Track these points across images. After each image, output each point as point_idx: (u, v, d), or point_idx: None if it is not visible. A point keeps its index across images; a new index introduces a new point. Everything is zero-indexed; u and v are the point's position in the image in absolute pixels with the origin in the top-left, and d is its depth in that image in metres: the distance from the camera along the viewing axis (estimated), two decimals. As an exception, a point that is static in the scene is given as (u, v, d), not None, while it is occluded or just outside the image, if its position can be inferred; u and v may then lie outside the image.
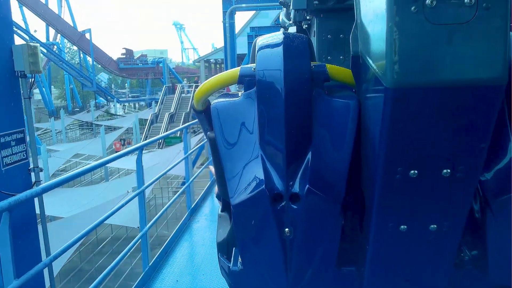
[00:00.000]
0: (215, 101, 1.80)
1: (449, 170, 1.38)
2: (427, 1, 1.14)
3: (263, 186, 1.58)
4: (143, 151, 5.36)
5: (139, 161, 5.38)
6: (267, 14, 33.02)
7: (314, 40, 2.71)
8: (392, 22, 1.16)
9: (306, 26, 3.04)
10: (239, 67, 1.81)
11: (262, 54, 1.69)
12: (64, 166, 24.31)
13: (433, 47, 1.17)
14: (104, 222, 5.39)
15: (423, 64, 1.19)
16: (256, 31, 23.56)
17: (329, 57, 2.59)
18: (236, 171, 1.67)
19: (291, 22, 3.44)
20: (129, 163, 16.96)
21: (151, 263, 5.39)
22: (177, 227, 6.78)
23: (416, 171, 1.39)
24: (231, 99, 1.77)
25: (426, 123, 1.30)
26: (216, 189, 2.26)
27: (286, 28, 3.76)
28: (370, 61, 1.38)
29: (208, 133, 1.92)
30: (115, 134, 32.93)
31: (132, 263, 13.77)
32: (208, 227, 6.95)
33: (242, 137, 1.70)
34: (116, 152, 35.04)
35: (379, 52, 1.27)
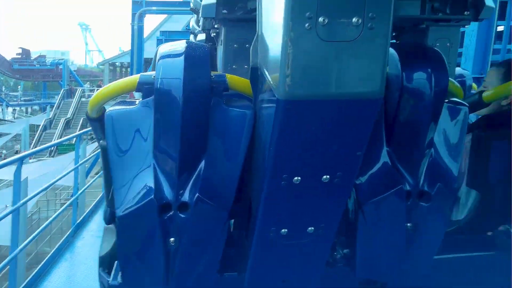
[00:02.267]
0: (110, 108, 1.75)
1: (328, 176, 1.48)
2: (319, 19, 1.20)
3: (152, 195, 1.59)
4: (31, 160, 4.73)
5: (17, 175, 4.81)
6: (179, 18, 32.18)
7: (221, 48, 2.75)
8: (287, 37, 1.22)
9: (215, 34, 3.06)
10: (139, 74, 1.78)
11: (163, 62, 1.67)
12: None
13: (322, 63, 1.26)
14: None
15: (312, 78, 1.27)
16: (166, 35, 22.94)
17: (234, 66, 2.64)
18: (126, 181, 1.65)
19: (200, 29, 3.45)
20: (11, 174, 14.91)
21: (20, 288, 4.62)
22: (57, 245, 5.99)
23: (299, 178, 1.47)
24: (128, 106, 1.73)
25: (311, 133, 1.39)
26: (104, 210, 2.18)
27: (195, 35, 3.78)
28: (267, 73, 1.43)
29: (101, 141, 1.87)
30: (1, 141, 29.24)
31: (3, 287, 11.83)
32: (93, 244, 6.22)
33: (135, 145, 1.68)
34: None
35: (274, 65, 1.33)
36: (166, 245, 1.65)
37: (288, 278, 1.84)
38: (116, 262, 1.97)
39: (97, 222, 7.21)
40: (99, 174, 8.56)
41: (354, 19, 1.20)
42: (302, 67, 1.24)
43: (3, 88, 60.60)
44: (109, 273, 1.99)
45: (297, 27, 1.20)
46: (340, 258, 1.93)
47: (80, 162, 7.29)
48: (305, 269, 1.82)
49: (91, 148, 18.05)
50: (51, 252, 5.78)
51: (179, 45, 1.73)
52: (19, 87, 60.72)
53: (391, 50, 1.66)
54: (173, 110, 1.58)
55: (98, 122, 1.92)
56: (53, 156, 24.16)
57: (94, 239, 6.44)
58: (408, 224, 1.77)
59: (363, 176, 1.71)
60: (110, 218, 2.10)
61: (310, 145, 1.41)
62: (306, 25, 1.20)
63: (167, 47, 1.75)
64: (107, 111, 1.73)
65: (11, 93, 57.54)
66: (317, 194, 1.53)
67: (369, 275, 1.92)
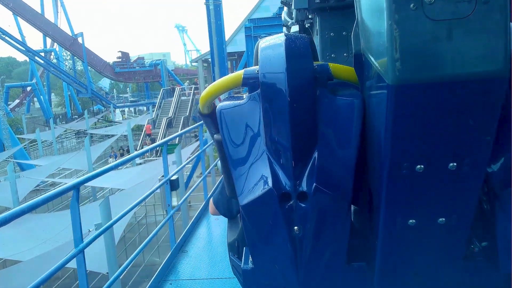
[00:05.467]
0: (220, 104, 1.81)
1: (455, 164, 1.43)
2: None
3: (271, 185, 1.62)
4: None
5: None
6: (268, 7, 31.69)
7: (317, 38, 2.75)
8: (392, 19, 1.20)
9: (309, 25, 3.07)
10: (243, 70, 1.82)
11: (265, 56, 1.70)
12: (49, 180, 22.33)
13: (433, 43, 1.22)
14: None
15: (424, 60, 1.22)
16: (254, 23, 22.09)
17: (332, 55, 2.65)
18: (243, 171, 1.71)
19: (293, 21, 3.42)
20: (119, 180, 15.37)
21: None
22: (167, 256, 5.59)
23: (422, 166, 1.43)
24: (236, 101, 1.80)
25: (430, 118, 1.34)
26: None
27: (288, 27, 3.80)
28: (372, 59, 1.41)
29: (215, 135, 1.92)
30: (108, 142, 31.14)
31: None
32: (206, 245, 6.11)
33: (248, 138, 1.73)
34: (147, 134, 35.71)
35: (380, 49, 1.31)
36: (291, 233, 1.68)
37: (421, 271, 1.80)
38: (244, 248, 2.04)
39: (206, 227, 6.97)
40: (202, 177, 8.13)
41: None
42: (411, 49, 1.21)
43: (114, 91, 65.25)
44: (239, 258, 2.07)
45: (402, 8, 1.19)
46: (479, 252, 1.81)
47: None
48: (439, 262, 1.77)
49: (193, 147, 18.14)
50: (162, 264, 5.42)
51: (278, 38, 1.75)
52: (127, 89, 65.00)
53: None
54: (280, 102, 1.61)
55: (210, 117, 2.00)
56: (159, 156, 25.13)
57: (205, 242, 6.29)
58: None
59: (496, 163, 1.58)
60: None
61: (430, 131, 1.37)
62: (411, 5, 1.18)
63: (267, 41, 1.79)
64: (218, 107, 1.79)
65: (121, 95, 61.77)
66: (444, 183, 1.49)
67: None
